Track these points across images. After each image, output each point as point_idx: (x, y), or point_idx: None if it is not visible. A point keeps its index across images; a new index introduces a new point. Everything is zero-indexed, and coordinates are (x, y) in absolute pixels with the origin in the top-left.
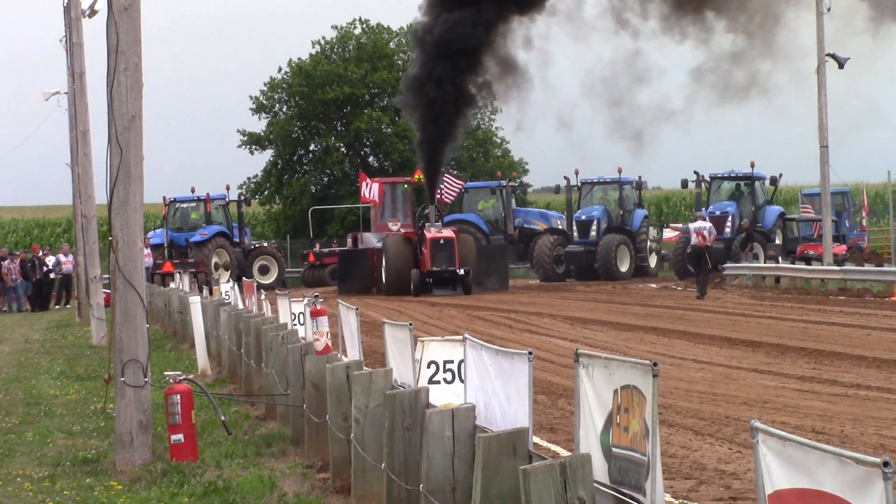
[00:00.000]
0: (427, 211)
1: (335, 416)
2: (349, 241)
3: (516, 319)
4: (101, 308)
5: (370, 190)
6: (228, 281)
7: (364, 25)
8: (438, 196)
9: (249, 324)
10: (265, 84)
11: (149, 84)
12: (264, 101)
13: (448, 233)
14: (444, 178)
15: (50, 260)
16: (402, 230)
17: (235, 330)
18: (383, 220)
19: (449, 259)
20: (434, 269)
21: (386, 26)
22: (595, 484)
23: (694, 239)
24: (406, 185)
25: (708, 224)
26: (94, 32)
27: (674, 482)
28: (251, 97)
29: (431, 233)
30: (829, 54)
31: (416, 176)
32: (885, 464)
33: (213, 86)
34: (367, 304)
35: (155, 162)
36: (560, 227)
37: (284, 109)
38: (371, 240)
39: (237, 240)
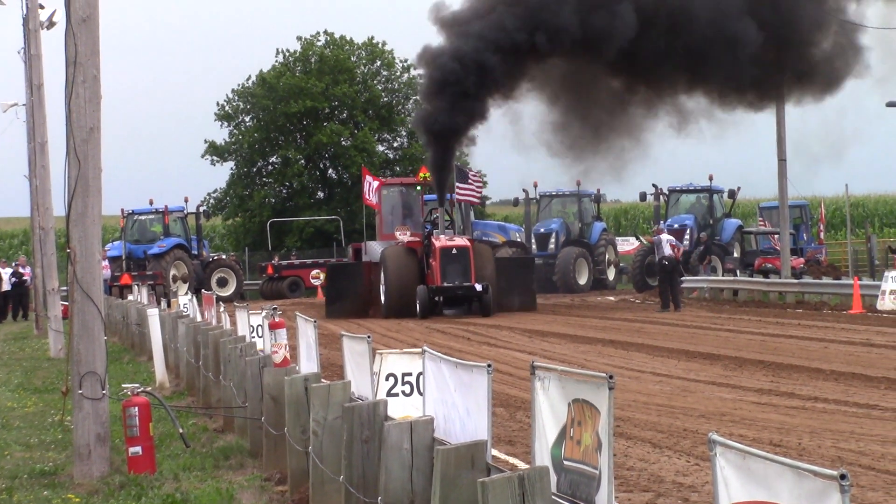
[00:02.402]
0: (435, 216)
1: (293, 429)
2: (350, 252)
3: (475, 332)
4: (59, 320)
5: (371, 190)
6: (187, 293)
7: (328, 37)
8: (463, 197)
9: (208, 336)
10: (232, 91)
11: (108, 95)
12: (229, 111)
13: (462, 241)
14: (470, 174)
15: (6, 272)
16: (404, 242)
17: (194, 342)
18: (389, 229)
19: (463, 273)
20: (445, 284)
21: (349, 39)
22: (553, 496)
23: (668, 251)
24: (419, 188)
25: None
26: (53, 44)
27: (631, 495)
28: (217, 103)
29: (441, 241)
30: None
31: (422, 174)
32: (843, 476)
33: (174, 98)
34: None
35: (113, 174)
36: (519, 239)
37: (247, 120)
38: (376, 251)
39: (195, 252)
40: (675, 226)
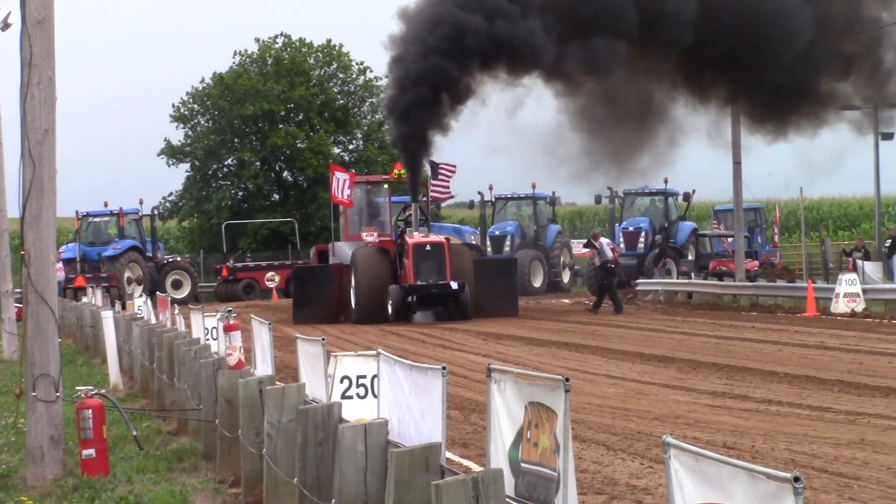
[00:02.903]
0: (408, 213)
1: (247, 431)
2: (313, 254)
3: (429, 335)
4: (13, 322)
5: (341, 187)
6: (141, 296)
7: (286, 40)
8: (435, 194)
9: (162, 338)
10: (187, 94)
11: (63, 97)
12: (185, 113)
13: (436, 237)
14: (440, 169)
15: None
16: (376, 242)
17: (148, 345)
18: (355, 230)
19: (437, 271)
20: (418, 283)
21: (307, 41)
22: (506, 499)
23: (610, 255)
24: (386, 186)
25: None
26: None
27: (586, 497)
28: (173, 105)
29: (414, 238)
30: None
31: (396, 171)
32: (796, 479)
33: (130, 100)
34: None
35: (68, 176)
36: (474, 242)
37: (203, 122)
38: (345, 253)
39: (150, 254)
40: (630, 228)
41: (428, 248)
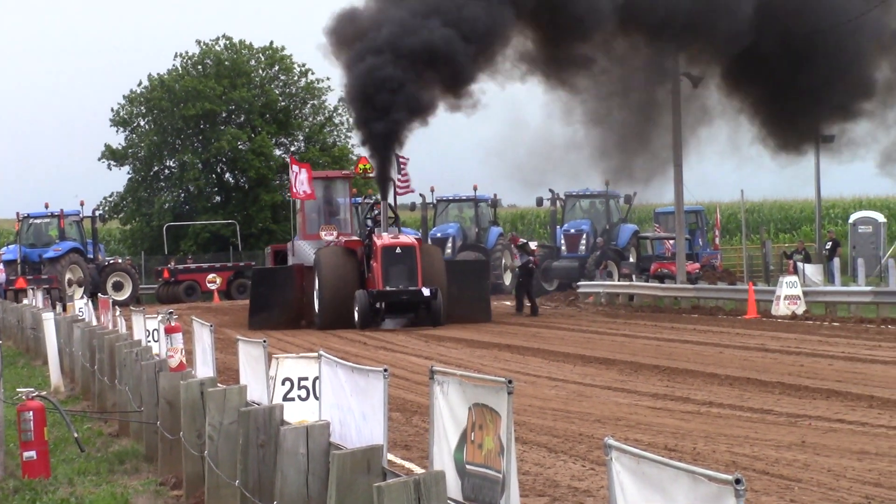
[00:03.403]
0: (377, 211)
1: (189, 433)
2: (268, 255)
3: (371, 336)
4: None
5: (299, 180)
6: (82, 297)
7: (227, 42)
8: (397, 190)
9: (103, 340)
10: (124, 97)
11: (3, 99)
12: (125, 115)
13: (407, 239)
14: (400, 161)
15: None
16: (342, 241)
17: (89, 346)
18: (313, 228)
19: (408, 275)
20: (387, 288)
21: (248, 43)
22: (449, 501)
23: (527, 257)
24: (347, 182)
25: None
26: None
27: (528, 499)
28: (112, 109)
29: (383, 239)
30: (684, 73)
31: (361, 166)
32: (738, 481)
33: (71, 100)
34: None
35: (9, 177)
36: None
37: (143, 123)
38: (306, 253)
39: (91, 256)
40: (572, 231)
41: (398, 250)
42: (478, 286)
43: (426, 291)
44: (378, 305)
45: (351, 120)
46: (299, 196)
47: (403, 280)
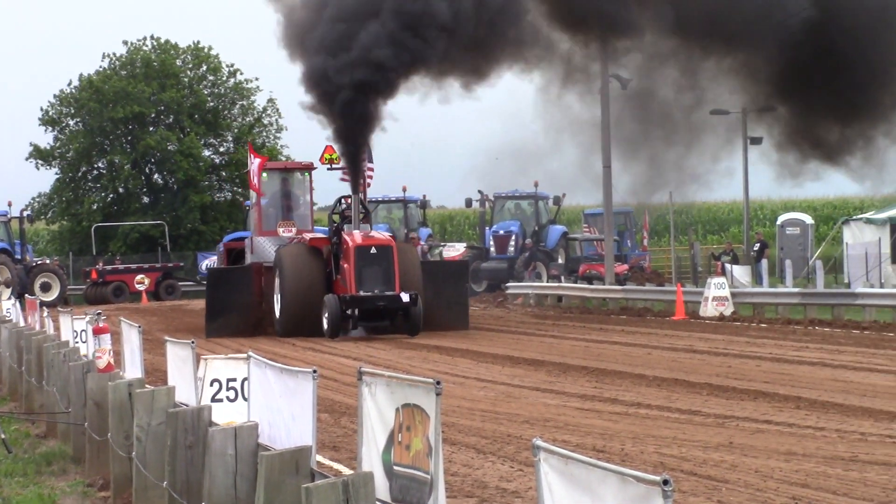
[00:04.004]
0: (344, 206)
1: (117, 435)
2: (221, 253)
3: (300, 337)
4: None
5: (255, 171)
6: (10, 298)
7: (154, 42)
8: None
9: (31, 341)
10: (55, 96)
11: None
12: (53, 115)
13: (382, 237)
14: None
15: None
16: (306, 238)
17: (16, 347)
18: (270, 224)
19: (385, 279)
20: (361, 293)
21: (175, 44)
22: (377, 502)
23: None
24: (306, 174)
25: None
26: None
27: (456, 500)
28: (41, 108)
29: (356, 238)
30: (612, 75)
31: (327, 155)
32: (665, 482)
33: None
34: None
35: None
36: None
37: (72, 124)
38: (266, 250)
39: (19, 256)
40: (501, 232)
41: (373, 250)
42: (455, 290)
43: (405, 297)
44: (350, 312)
45: (280, 120)
46: (256, 189)
47: (379, 284)
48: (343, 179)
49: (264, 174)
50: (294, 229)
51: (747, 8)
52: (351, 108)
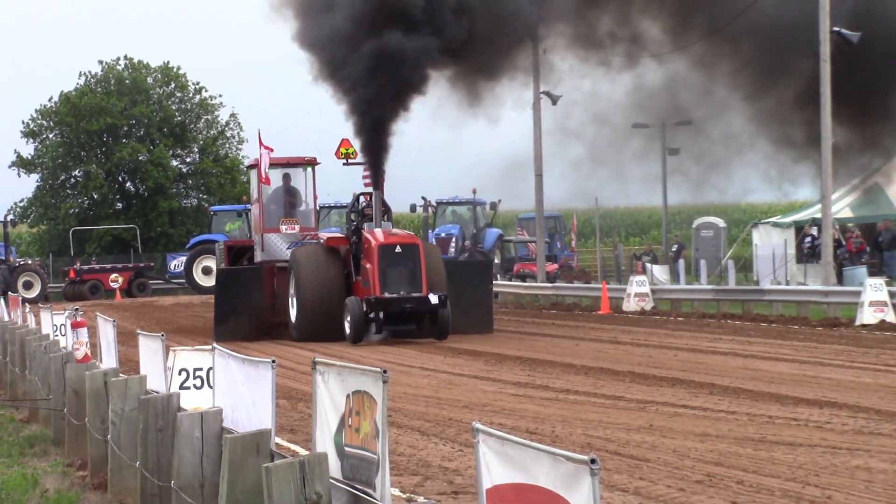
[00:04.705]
0: (364, 203)
1: (94, 419)
2: (222, 253)
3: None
4: None
5: (264, 162)
6: None
7: (127, 62)
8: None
9: (14, 335)
10: (36, 111)
11: None
12: (34, 128)
13: (406, 235)
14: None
15: None
16: (322, 238)
17: (1, 340)
18: (273, 222)
19: (410, 279)
20: (386, 295)
21: (146, 63)
22: (331, 480)
23: None
24: (310, 168)
25: None
26: None
27: (402, 478)
28: (23, 122)
29: (378, 236)
30: (543, 92)
31: (343, 150)
32: (593, 461)
33: None
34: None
35: None
36: None
37: (52, 136)
38: (277, 248)
39: (3, 257)
40: (442, 234)
41: (398, 249)
42: (479, 291)
43: (433, 298)
44: (373, 315)
45: (242, 133)
46: (264, 180)
47: (404, 285)
48: (365, 176)
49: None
50: (297, 227)
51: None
52: (378, 97)
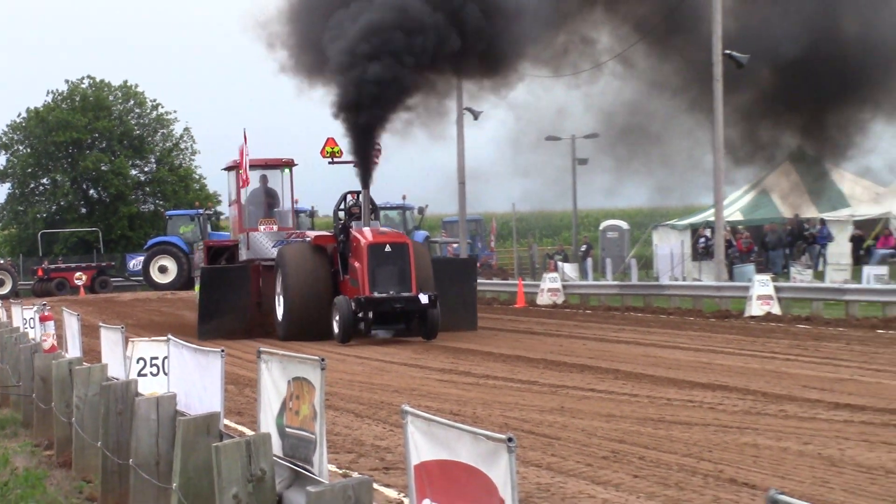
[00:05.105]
0: (351, 202)
1: (59, 404)
2: (202, 254)
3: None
4: None
5: (248, 161)
6: None
7: (91, 81)
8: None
9: None
10: (7, 126)
11: None
12: (6, 141)
13: (396, 234)
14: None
15: None
16: (309, 236)
17: None
18: (251, 222)
19: (400, 279)
20: (376, 294)
21: (107, 82)
22: (274, 458)
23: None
24: (287, 170)
25: None
26: None
27: (338, 455)
28: None
29: (366, 235)
30: (466, 108)
31: (328, 148)
32: (510, 440)
33: None
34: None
35: None
36: None
37: (21, 148)
38: (263, 247)
39: None
40: None
41: (388, 248)
42: (463, 289)
43: (423, 298)
44: (361, 315)
45: (195, 145)
46: (245, 180)
47: (394, 284)
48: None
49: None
50: (276, 227)
51: None
52: (368, 76)
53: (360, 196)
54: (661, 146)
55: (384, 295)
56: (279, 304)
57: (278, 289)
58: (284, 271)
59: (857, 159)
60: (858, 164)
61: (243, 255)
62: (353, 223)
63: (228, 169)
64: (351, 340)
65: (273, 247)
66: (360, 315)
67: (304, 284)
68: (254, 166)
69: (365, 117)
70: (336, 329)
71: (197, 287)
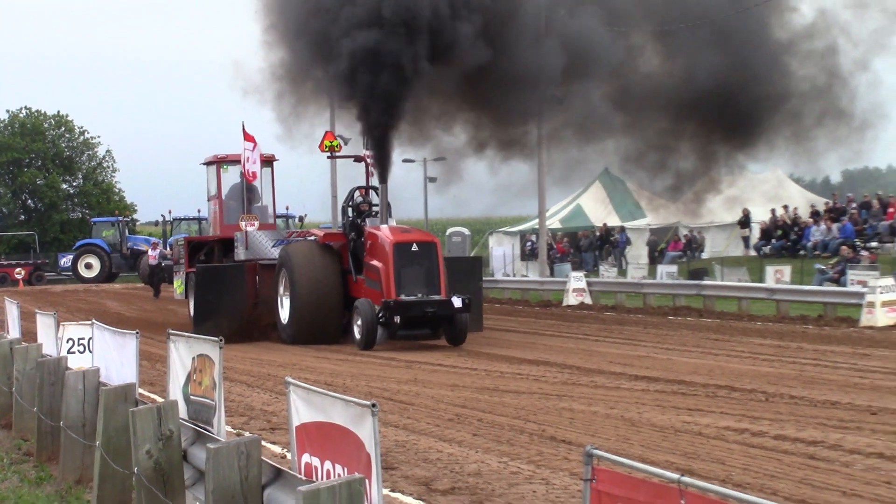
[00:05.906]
0: (361, 199)
1: (1, 377)
2: (181, 247)
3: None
4: None
5: (253, 157)
6: None
7: (28, 111)
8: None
9: None
10: None
11: None
12: None
13: (423, 233)
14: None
15: None
16: (317, 234)
17: None
18: (232, 219)
19: (428, 281)
20: (403, 298)
21: (43, 112)
22: (180, 420)
23: (158, 258)
24: (268, 165)
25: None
26: None
27: (233, 419)
28: None
29: (387, 233)
30: (338, 135)
31: (327, 142)
32: (373, 405)
33: None
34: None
35: None
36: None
37: None
38: (262, 246)
39: None
40: None
41: (415, 248)
42: (470, 288)
43: (457, 302)
44: (385, 319)
45: (115, 164)
46: (249, 177)
47: (422, 287)
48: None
49: (224, 167)
50: (256, 223)
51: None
52: (387, 82)
53: (366, 193)
54: (494, 173)
55: (413, 298)
56: (283, 306)
57: (282, 290)
58: (291, 271)
59: (660, 180)
60: (659, 185)
61: (240, 254)
62: (367, 221)
63: (208, 164)
64: (372, 346)
65: (273, 246)
66: (383, 319)
67: (313, 285)
68: (234, 162)
69: (384, 92)
70: (357, 334)
71: (177, 283)
